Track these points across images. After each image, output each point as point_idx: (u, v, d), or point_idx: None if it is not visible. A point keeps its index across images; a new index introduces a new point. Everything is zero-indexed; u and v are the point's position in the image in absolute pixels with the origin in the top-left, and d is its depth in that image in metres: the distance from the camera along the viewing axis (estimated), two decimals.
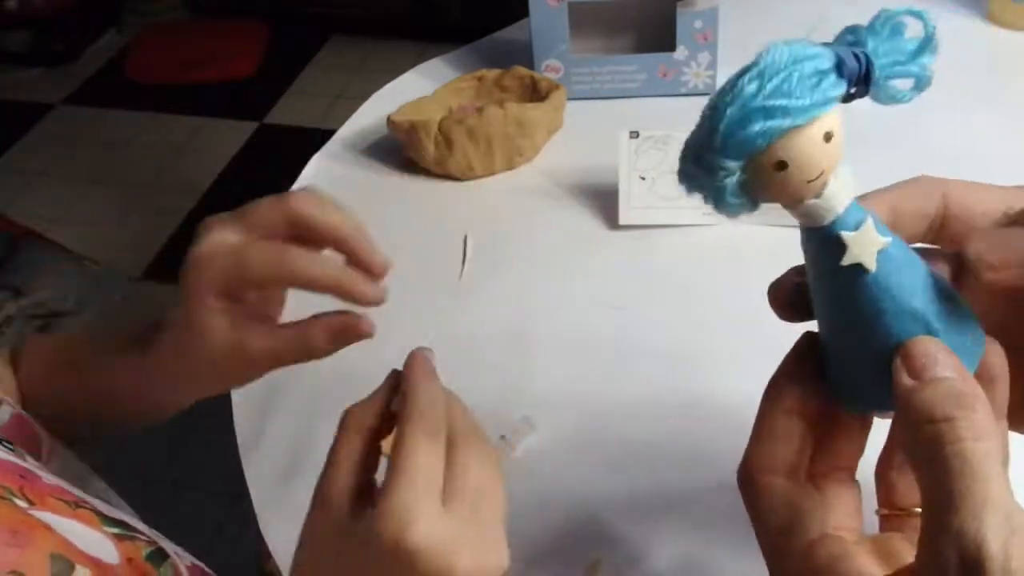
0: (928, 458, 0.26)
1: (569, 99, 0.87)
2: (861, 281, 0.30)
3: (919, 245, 0.33)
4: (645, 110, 0.90)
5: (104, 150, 2.39)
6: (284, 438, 0.62)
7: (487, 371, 0.66)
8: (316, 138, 0.91)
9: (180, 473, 1.55)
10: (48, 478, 0.41)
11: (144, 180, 2.28)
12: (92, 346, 0.54)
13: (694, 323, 0.66)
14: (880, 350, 0.30)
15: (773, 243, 0.67)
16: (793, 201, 0.30)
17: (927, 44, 0.30)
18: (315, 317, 0.46)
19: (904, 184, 0.33)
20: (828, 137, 0.29)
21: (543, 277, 0.74)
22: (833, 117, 0.29)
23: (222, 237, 0.44)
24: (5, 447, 0.41)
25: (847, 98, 0.30)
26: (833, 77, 0.28)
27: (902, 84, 0.30)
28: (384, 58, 2.64)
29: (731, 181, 0.30)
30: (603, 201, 0.79)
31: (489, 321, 0.69)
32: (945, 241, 0.33)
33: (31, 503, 0.37)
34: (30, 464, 0.42)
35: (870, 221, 0.30)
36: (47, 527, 0.37)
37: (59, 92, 2.64)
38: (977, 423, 0.26)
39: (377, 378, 0.65)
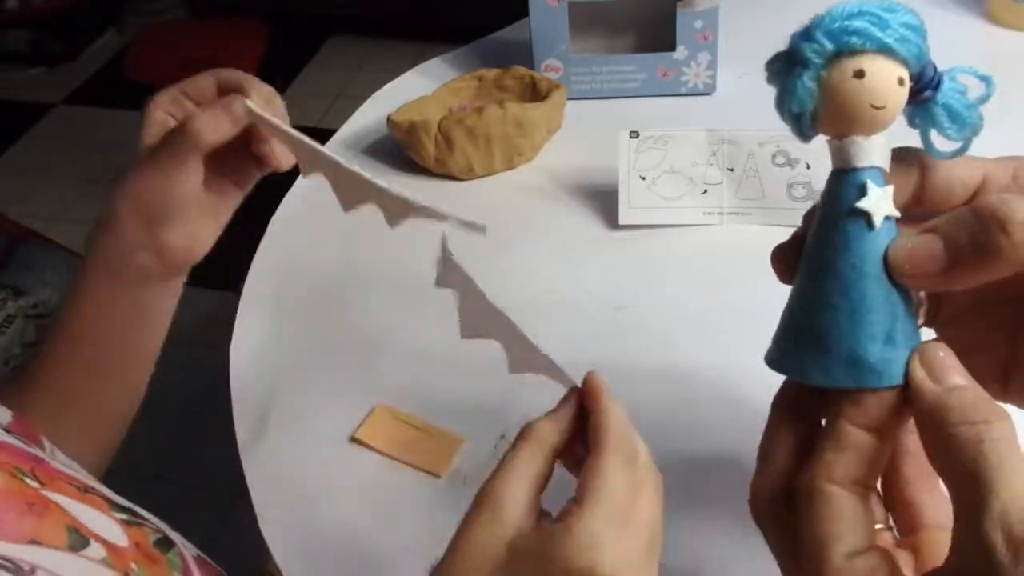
0: (966, 455, 0.28)
1: (569, 99, 0.87)
2: (862, 233, 0.32)
3: None
4: (645, 110, 0.90)
5: (104, 150, 2.39)
6: (284, 437, 0.62)
7: (487, 371, 0.66)
8: (316, 138, 0.90)
9: (180, 473, 1.55)
10: (56, 465, 0.41)
11: None
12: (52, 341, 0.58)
13: (694, 323, 0.66)
14: (848, 304, 0.32)
15: (773, 243, 0.67)
16: (848, 125, 0.33)
17: (985, 98, 0.34)
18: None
19: (940, 161, 0.34)
20: (901, 81, 0.32)
21: (543, 277, 0.74)
22: (907, 76, 0.32)
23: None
24: (15, 437, 0.42)
25: (916, 91, 0.33)
26: (926, 50, 0.32)
27: (945, 146, 0.34)
28: (384, 58, 2.63)
29: (814, 67, 0.32)
30: (603, 201, 0.79)
31: None
32: (926, 207, 0.34)
33: (42, 484, 0.37)
34: (37, 452, 0.42)
35: (892, 189, 0.32)
36: (59, 506, 0.37)
37: (59, 92, 2.64)
38: (1008, 427, 0.29)
39: (375, 381, 0.65)
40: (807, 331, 0.34)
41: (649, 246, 0.75)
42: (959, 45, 0.94)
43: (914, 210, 0.34)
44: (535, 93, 0.87)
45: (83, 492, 0.40)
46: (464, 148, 0.81)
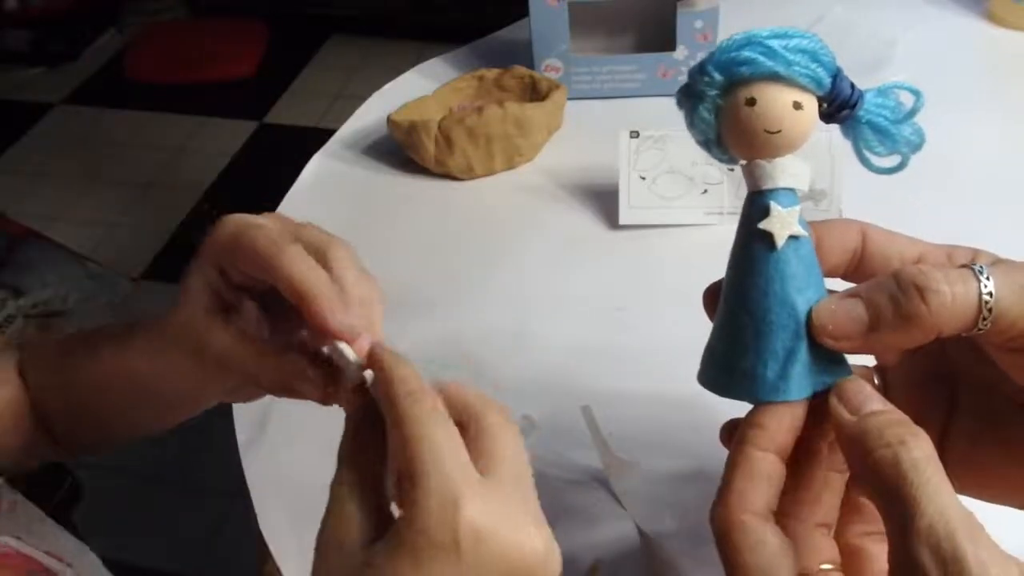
0: (888, 476, 0.29)
1: (569, 99, 0.87)
2: (766, 253, 0.33)
3: None
4: (645, 110, 0.90)
5: (104, 150, 2.39)
6: (284, 438, 0.62)
7: (487, 370, 0.66)
8: (316, 138, 0.91)
9: (180, 473, 1.55)
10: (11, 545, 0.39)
11: (144, 180, 2.28)
12: (91, 338, 0.52)
13: (694, 323, 0.66)
14: (752, 322, 0.34)
15: None
16: (748, 150, 0.34)
17: (913, 113, 0.34)
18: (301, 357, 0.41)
19: (830, 220, 0.36)
20: (798, 106, 0.33)
21: (543, 277, 0.74)
22: (810, 98, 0.33)
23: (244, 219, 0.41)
24: None
25: (828, 114, 0.34)
26: (825, 72, 0.33)
27: (883, 161, 0.35)
28: (384, 58, 2.63)
29: (710, 96, 0.34)
30: (603, 201, 0.79)
31: (489, 320, 0.69)
32: (861, 277, 0.36)
33: None
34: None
35: (798, 210, 0.34)
36: None
37: (59, 92, 2.64)
38: (924, 444, 0.30)
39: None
40: (718, 348, 0.36)
41: (649, 246, 0.75)
42: (959, 45, 0.94)
43: (851, 279, 0.36)
44: (535, 93, 0.87)
45: None
46: (464, 148, 0.81)
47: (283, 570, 0.54)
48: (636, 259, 0.74)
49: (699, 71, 0.34)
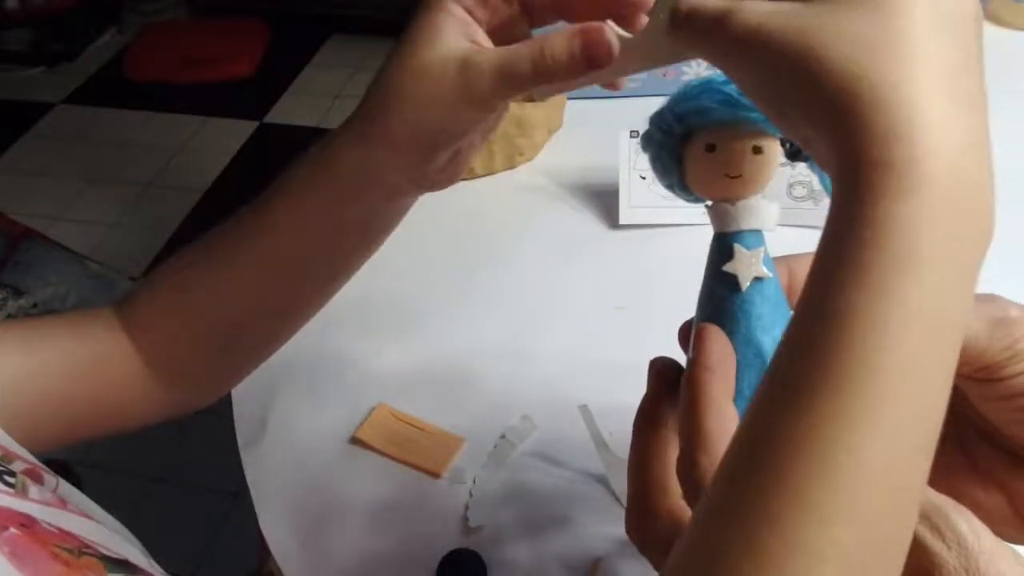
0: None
1: (569, 99, 0.87)
2: (732, 294, 0.34)
3: None
4: (645, 110, 0.90)
5: (104, 150, 2.39)
6: (284, 436, 0.62)
7: (488, 370, 0.66)
8: (316, 138, 0.91)
9: (180, 472, 1.55)
10: (51, 521, 0.39)
11: (144, 180, 2.28)
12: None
13: None
14: None
15: (771, 244, 0.67)
16: (711, 193, 0.35)
17: None
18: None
19: (804, 254, 0.36)
20: (757, 150, 0.33)
21: (543, 277, 0.74)
22: (771, 141, 0.33)
23: None
24: (5, 483, 0.40)
25: (792, 154, 0.35)
26: None
27: None
28: (384, 58, 2.63)
29: (668, 145, 0.35)
30: (603, 201, 0.79)
31: (489, 321, 0.69)
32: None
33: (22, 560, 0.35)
34: (32, 503, 0.40)
35: (762, 252, 0.34)
36: None
37: (59, 92, 2.64)
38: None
39: (375, 381, 0.65)
40: None
41: (649, 246, 0.75)
42: None
43: None
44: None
45: (79, 555, 0.39)
46: None
47: (283, 570, 0.54)
48: (636, 259, 0.74)
49: (659, 119, 0.35)
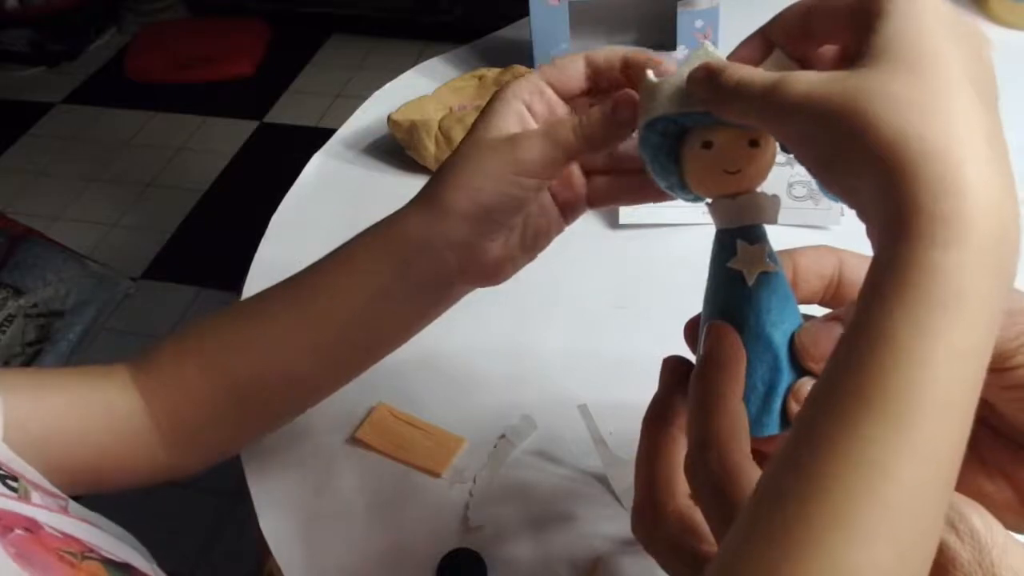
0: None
1: None
2: (739, 289, 0.34)
3: None
4: None
5: (104, 149, 2.39)
6: (284, 436, 0.62)
7: (488, 370, 0.66)
8: (316, 137, 0.91)
9: None
10: (53, 525, 0.40)
11: (144, 180, 2.28)
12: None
13: None
14: None
15: (773, 243, 0.67)
16: (711, 189, 0.35)
17: None
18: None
19: (807, 247, 0.37)
20: (754, 144, 0.33)
21: (542, 276, 0.74)
22: (767, 136, 0.33)
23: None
24: (8, 487, 0.40)
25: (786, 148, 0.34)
26: None
27: None
28: (384, 57, 2.63)
29: (666, 145, 0.35)
30: None
31: (489, 320, 0.69)
32: (839, 303, 0.36)
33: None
34: (35, 508, 0.40)
35: (766, 246, 0.34)
36: None
37: (59, 91, 2.64)
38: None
39: (375, 381, 0.65)
40: None
41: (649, 246, 0.75)
42: None
43: (829, 305, 0.36)
44: None
45: (81, 559, 0.39)
46: None
47: (283, 570, 0.54)
48: (636, 258, 0.74)
49: (653, 122, 0.35)
